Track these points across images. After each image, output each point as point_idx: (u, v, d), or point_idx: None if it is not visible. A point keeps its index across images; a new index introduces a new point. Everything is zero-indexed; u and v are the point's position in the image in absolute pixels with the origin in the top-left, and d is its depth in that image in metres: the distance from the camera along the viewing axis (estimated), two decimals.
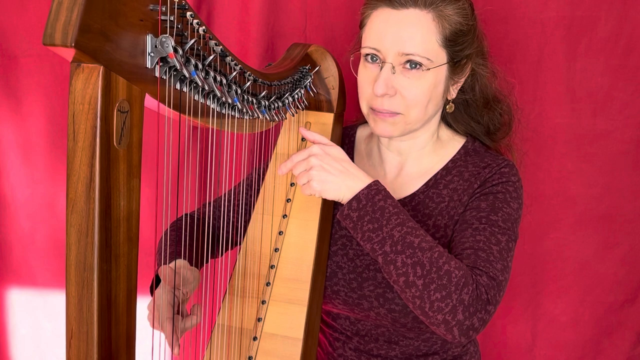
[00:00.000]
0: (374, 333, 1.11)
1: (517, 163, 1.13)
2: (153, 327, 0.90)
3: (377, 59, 1.02)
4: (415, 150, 1.12)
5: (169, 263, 1.00)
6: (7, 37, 1.53)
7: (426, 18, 0.98)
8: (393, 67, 0.99)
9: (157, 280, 1.01)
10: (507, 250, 0.96)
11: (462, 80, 1.08)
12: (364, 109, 1.07)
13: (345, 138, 1.23)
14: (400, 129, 1.04)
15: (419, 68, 0.99)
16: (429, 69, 0.99)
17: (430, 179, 1.10)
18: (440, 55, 1.00)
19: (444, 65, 1.01)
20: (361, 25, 1.07)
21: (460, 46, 1.02)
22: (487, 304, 0.88)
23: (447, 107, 1.10)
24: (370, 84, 1.02)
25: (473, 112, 1.14)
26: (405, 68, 0.99)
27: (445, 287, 0.86)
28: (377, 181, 0.96)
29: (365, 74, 1.04)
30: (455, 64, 1.03)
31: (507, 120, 1.16)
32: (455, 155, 1.11)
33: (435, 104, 1.05)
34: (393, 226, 0.91)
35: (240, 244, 1.11)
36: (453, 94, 1.08)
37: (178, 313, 0.94)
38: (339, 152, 0.98)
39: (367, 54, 1.03)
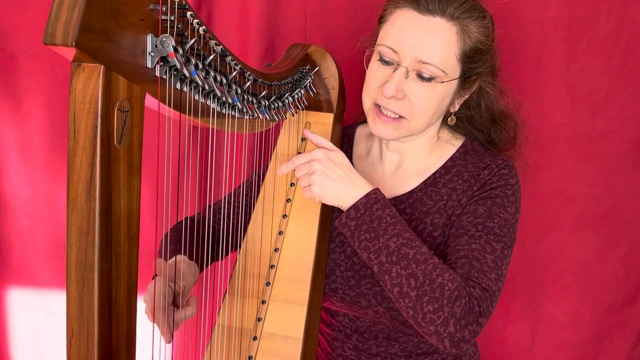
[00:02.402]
0: (373, 330, 1.11)
1: (517, 163, 1.13)
2: (152, 320, 0.90)
3: (391, 61, 1.00)
4: (414, 151, 1.12)
5: (169, 260, 1.01)
6: (7, 37, 1.52)
7: (450, 30, 0.98)
8: (407, 72, 0.98)
9: None
10: (502, 258, 0.96)
11: (467, 95, 1.08)
12: (367, 104, 1.06)
13: (344, 137, 1.23)
14: (402, 133, 1.04)
15: (432, 81, 0.99)
16: (442, 82, 0.99)
17: (429, 177, 1.10)
18: (455, 70, 1.00)
19: (456, 79, 1.01)
20: (381, 20, 1.05)
21: (475, 64, 1.02)
22: (479, 317, 0.89)
23: (449, 119, 1.10)
24: (378, 82, 1.02)
25: (477, 124, 1.14)
26: (417, 77, 0.99)
27: (437, 299, 0.87)
28: (377, 189, 0.96)
29: (376, 71, 1.03)
30: (465, 80, 1.03)
31: (513, 135, 1.16)
32: (454, 154, 1.11)
33: (439, 114, 1.05)
34: (389, 237, 0.92)
35: (240, 245, 1.11)
36: (456, 106, 1.08)
37: (174, 305, 0.94)
38: (341, 158, 0.98)
39: (382, 53, 1.01)
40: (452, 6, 0.97)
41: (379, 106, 1.03)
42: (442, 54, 0.98)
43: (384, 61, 1.01)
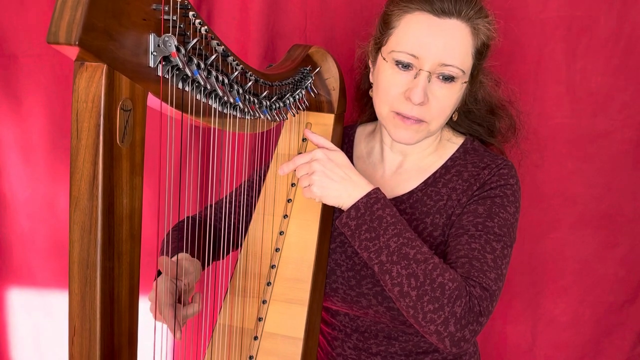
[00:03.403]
0: (374, 329, 1.12)
1: (517, 163, 1.13)
2: (155, 318, 0.91)
3: (410, 66, 0.99)
4: (419, 151, 1.12)
5: (171, 257, 1.01)
6: (7, 37, 1.52)
7: (465, 31, 0.98)
8: (429, 76, 0.98)
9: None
10: (501, 258, 0.96)
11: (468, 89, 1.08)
12: (384, 111, 1.04)
13: (344, 137, 1.23)
14: (422, 136, 1.04)
15: (452, 82, 0.99)
16: (464, 82, 1.00)
17: (429, 177, 1.10)
18: (470, 68, 1.01)
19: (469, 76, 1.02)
20: (388, 27, 1.03)
21: (482, 59, 1.03)
22: (479, 316, 0.90)
23: (453, 115, 1.10)
24: (398, 89, 1.00)
25: (476, 117, 1.15)
26: (439, 79, 0.99)
27: (438, 299, 0.88)
28: (377, 189, 0.96)
29: (394, 78, 1.01)
30: (472, 76, 1.04)
31: (512, 124, 1.17)
32: (454, 154, 1.11)
33: (452, 112, 1.06)
34: (390, 236, 0.92)
35: (241, 244, 1.11)
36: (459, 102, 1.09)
37: (179, 302, 0.95)
38: (342, 158, 0.98)
39: (400, 60, 0.99)
40: (466, 7, 0.97)
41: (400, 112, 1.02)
42: (462, 55, 0.98)
43: (402, 66, 0.99)
